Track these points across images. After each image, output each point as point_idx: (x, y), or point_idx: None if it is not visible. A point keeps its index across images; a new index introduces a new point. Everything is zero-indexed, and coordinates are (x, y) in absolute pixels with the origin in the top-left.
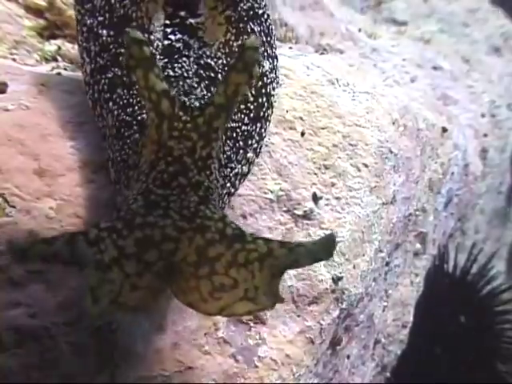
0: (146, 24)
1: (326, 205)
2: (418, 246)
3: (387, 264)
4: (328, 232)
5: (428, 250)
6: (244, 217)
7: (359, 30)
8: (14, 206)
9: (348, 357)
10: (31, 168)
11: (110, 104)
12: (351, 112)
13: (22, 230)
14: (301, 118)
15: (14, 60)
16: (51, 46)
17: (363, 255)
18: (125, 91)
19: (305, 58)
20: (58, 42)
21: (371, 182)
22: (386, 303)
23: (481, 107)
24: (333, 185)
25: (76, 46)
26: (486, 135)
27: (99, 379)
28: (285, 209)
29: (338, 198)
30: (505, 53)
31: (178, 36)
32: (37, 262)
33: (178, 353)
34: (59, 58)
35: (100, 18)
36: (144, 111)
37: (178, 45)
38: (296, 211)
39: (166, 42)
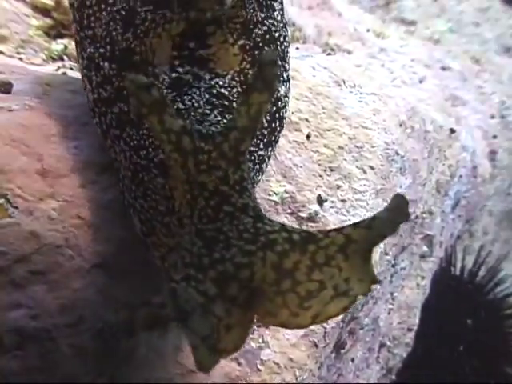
0: (149, 58)
1: (331, 207)
2: (425, 248)
3: (393, 266)
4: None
5: (435, 252)
6: None
7: (367, 30)
8: (16, 207)
9: (352, 360)
10: (34, 168)
11: (122, 143)
12: (357, 114)
13: (24, 231)
14: (306, 120)
15: (20, 59)
16: (58, 46)
17: None
18: (134, 131)
19: (311, 59)
20: (65, 41)
21: (377, 184)
22: (391, 306)
23: (490, 108)
24: (338, 187)
25: None
26: (495, 137)
27: (100, 382)
28: (289, 211)
29: (343, 201)
30: None
31: (187, 68)
32: None
33: (181, 355)
34: (65, 58)
35: (101, 50)
36: (159, 152)
37: (186, 77)
38: (301, 213)
39: (173, 75)
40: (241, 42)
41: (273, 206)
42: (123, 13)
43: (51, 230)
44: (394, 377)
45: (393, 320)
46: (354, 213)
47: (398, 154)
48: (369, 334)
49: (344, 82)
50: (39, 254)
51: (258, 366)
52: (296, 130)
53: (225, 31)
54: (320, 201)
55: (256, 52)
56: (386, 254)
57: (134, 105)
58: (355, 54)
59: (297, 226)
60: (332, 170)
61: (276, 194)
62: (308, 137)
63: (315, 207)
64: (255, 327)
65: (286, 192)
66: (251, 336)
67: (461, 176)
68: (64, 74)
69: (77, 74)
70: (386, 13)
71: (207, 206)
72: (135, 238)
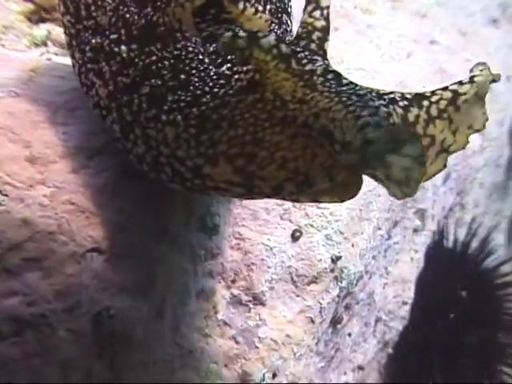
0: (175, 26)
1: None
2: (418, 222)
3: (387, 240)
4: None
5: (427, 225)
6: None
7: (354, 7)
8: (6, 195)
9: (349, 334)
10: (23, 155)
11: (163, 118)
12: None
13: (16, 219)
14: None
15: (2, 46)
16: (41, 31)
17: (362, 233)
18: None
19: None
20: (48, 26)
21: None
22: (385, 280)
23: None
24: None
25: None
26: None
27: (98, 365)
28: None
29: None
30: (502, 24)
31: (216, 26)
32: None
33: (178, 337)
34: (49, 43)
35: (113, 36)
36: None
37: (219, 31)
38: None
39: (204, 34)
40: (268, 6)
41: None
42: None
43: (43, 217)
44: (390, 350)
45: (388, 294)
46: None
47: None
48: (365, 309)
49: (331, 59)
50: (32, 241)
51: (256, 343)
52: None
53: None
54: None
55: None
56: (379, 228)
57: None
58: (342, 31)
59: (289, 205)
60: None
61: None
62: None
63: None
64: (251, 306)
65: None
66: (248, 314)
67: None
68: (49, 59)
69: (62, 60)
70: None
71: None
72: (129, 220)
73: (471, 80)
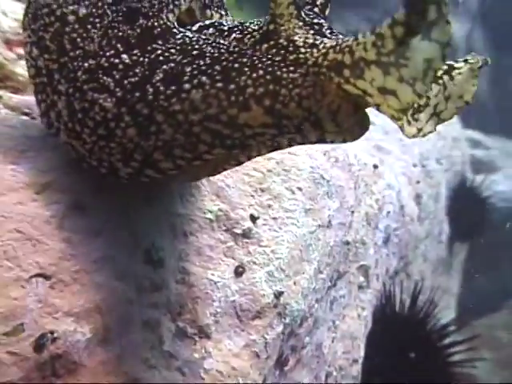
0: (171, 25)
1: (264, 224)
2: (362, 278)
3: (330, 289)
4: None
5: (372, 284)
6: (185, 235)
7: None
8: None
9: None
10: None
11: (186, 87)
12: None
13: None
14: None
15: None
16: None
17: (303, 273)
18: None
19: None
20: (0, 92)
21: (306, 204)
22: (334, 334)
23: (412, 158)
24: (269, 206)
25: (19, 96)
26: (418, 182)
27: None
28: (224, 228)
29: (274, 219)
30: None
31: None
32: None
33: (123, 365)
34: (1, 106)
35: (110, 52)
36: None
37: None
38: (235, 230)
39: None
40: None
41: (208, 224)
42: (125, 9)
43: None
44: None
45: (337, 349)
46: (286, 229)
47: (323, 178)
48: (314, 361)
49: None
50: None
51: (202, 374)
52: None
53: None
54: (253, 218)
55: None
56: (321, 272)
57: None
58: None
59: (232, 243)
60: (262, 191)
61: (210, 212)
62: None
63: (249, 224)
64: (197, 338)
65: (220, 210)
66: (193, 347)
67: (389, 212)
68: None
69: (13, 114)
70: None
71: None
72: (75, 249)
73: (465, 60)
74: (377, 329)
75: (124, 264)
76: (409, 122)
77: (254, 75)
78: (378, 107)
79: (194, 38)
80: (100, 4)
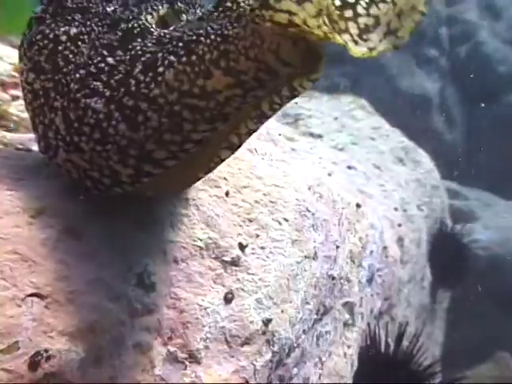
0: (150, 26)
1: (252, 253)
2: (347, 316)
3: (316, 322)
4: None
5: (357, 322)
6: (176, 262)
7: (279, 134)
8: None
9: None
10: None
11: (160, 70)
12: (269, 175)
13: None
14: (225, 178)
15: None
16: None
17: (290, 302)
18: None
19: None
20: None
21: (292, 235)
22: (320, 371)
23: (393, 202)
24: (257, 236)
25: (12, 134)
26: (400, 225)
27: None
28: (213, 256)
29: (262, 248)
30: (407, 163)
31: None
32: None
33: None
34: None
35: (97, 59)
36: None
37: None
38: (224, 258)
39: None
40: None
41: (198, 251)
42: (109, 22)
43: None
44: None
45: None
46: (274, 258)
47: (309, 210)
48: None
49: (256, 150)
50: None
51: None
52: (216, 187)
53: None
54: (241, 247)
55: None
56: (308, 303)
57: None
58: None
59: (222, 270)
60: (250, 221)
61: (200, 240)
62: (227, 193)
63: (237, 252)
64: (187, 363)
65: (209, 238)
66: (184, 371)
67: (372, 251)
68: None
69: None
70: (296, 128)
71: None
72: (70, 271)
73: None
74: (362, 369)
75: (117, 286)
76: (355, 42)
77: (208, 41)
78: (311, 35)
79: (168, 32)
80: (88, 22)
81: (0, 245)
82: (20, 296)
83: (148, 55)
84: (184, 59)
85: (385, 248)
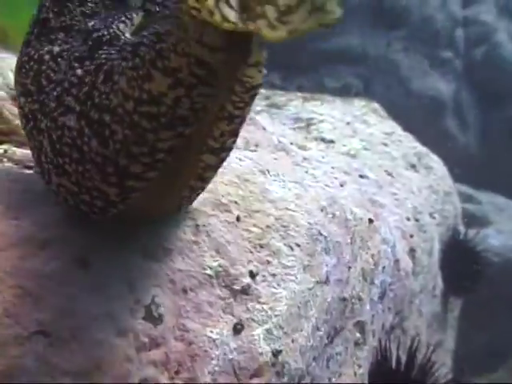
0: (120, 34)
1: (263, 281)
2: (358, 335)
3: (326, 346)
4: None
5: (368, 340)
6: (185, 291)
7: (291, 143)
8: None
9: None
10: None
11: (115, 78)
12: (282, 198)
13: None
14: (236, 202)
15: None
16: None
17: (301, 330)
18: None
19: (238, 152)
20: (5, 146)
21: (304, 260)
22: None
23: (405, 212)
24: (268, 262)
25: (23, 150)
26: (412, 236)
27: None
28: (223, 284)
29: (273, 275)
30: (420, 169)
31: None
32: None
33: None
34: (5, 160)
35: (70, 73)
36: None
37: None
38: (234, 286)
39: None
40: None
41: (207, 280)
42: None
43: None
44: None
45: None
46: (285, 286)
47: (321, 234)
48: None
49: (268, 172)
50: None
51: None
52: (226, 211)
53: None
54: (252, 275)
55: None
56: (318, 329)
57: None
58: (280, 162)
59: (231, 300)
60: (261, 247)
61: (210, 268)
62: (238, 218)
63: (248, 280)
64: None
65: (219, 266)
66: None
67: (384, 267)
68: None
69: (16, 167)
70: (308, 133)
71: None
72: (76, 306)
73: None
74: None
75: (124, 320)
76: (273, 27)
77: (147, 41)
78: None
79: (132, 38)
80: (70, 39)
81: (4, 279)
82: (24, 334)
83: (110, 63)
84: (130, 64)
85: (397, 261)
